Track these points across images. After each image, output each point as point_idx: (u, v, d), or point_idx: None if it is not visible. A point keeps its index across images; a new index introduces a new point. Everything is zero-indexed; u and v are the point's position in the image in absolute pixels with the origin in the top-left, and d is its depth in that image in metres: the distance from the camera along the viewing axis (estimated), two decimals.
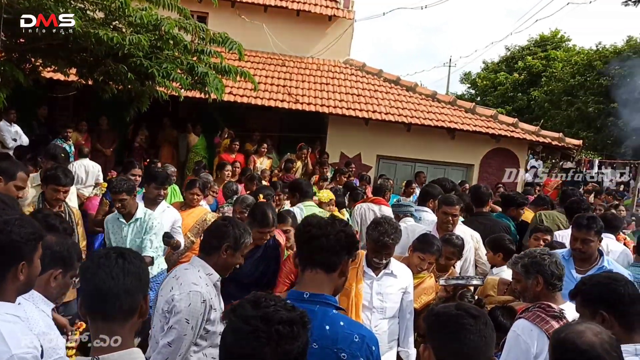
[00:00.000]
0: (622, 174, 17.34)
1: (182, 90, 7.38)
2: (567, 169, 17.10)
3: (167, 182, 5.06)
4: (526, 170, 14.58)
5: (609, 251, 4.58)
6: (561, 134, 12.53)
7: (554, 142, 12.05)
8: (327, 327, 1.97)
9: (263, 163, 9.97)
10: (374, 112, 11.36)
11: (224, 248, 2.85)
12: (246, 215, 4.26)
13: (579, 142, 12.66)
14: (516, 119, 12.55)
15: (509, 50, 33.93)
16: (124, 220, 4.48)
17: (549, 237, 4.57)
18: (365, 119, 11.29)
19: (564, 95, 24.65)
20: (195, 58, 6.89)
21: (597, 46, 26.28)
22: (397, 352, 3.59)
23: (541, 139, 12.05)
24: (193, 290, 2.68)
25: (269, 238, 3.88)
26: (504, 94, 30.77)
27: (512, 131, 11.90)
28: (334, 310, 2.03)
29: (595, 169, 18.89)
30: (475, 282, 3.80)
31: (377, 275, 3.46)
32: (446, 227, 4.60)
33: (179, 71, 6.72)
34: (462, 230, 4.89)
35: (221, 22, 11.08)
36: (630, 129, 15.59)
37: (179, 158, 11.28)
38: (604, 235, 4.21)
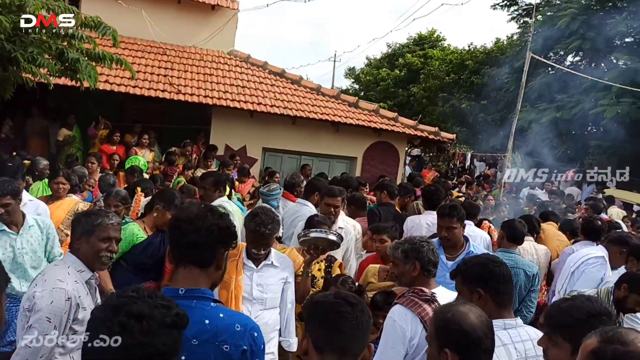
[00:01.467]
0: (489, 166, 18.73)
1: (51, 77, 6.83)
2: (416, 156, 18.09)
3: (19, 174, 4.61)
4: (405, 164, 15.27)
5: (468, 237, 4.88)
6: (437, 128, 13.24)
7: (431, 136, 12.71)
8: (207, 322, 1.91)
9: (145, 155, 9.57)
10: (259, 104, 11.28)
11: (77, 237, 2.71)
12: (121, 208, 4.04)
13: (453, 136, 13.46)
14: (396, 114, 13.05)
15: (390, 47, 35.34)
16: (11, 231, 3.74)
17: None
18: (251, 111, 11.18)
19: (440, 92, 26.11)
20: (65, 43, 6.41)
21: (469, 46, 28.15)
22: (280, 342, 3.60)
23: (419, 133, 12.65)
24: (57, 287, 2.50)
25: None
26: (386, 90, 31.98)
27: (392, 125, 12.36)
28: (212, 304, 1.98)
29: (468, 162, 20.26)
30: (332, 237, 3.84)
31: (257, 267, 3.44)
32: (328, 218, 4.66)
33: (47, 56, 6.22)
34: (344, 220, 5.01)
35: (95, 6, 10.40)
36: (496, 125, 16.83)
37: (49, 150, 10.48)
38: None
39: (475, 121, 22.32)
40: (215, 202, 4.79)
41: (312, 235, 3.85)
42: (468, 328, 1.92)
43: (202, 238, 1.96)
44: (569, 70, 17.13)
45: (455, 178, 16.43)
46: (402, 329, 2.74)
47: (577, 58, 19.90)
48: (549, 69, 18.44)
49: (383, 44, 51.79)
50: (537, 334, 2.43)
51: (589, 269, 4.70)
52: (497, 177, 17.04)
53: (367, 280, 4.07)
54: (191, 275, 1.98)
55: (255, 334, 2.00)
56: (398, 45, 34.65)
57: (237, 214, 5.06)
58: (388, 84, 32.00)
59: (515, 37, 23.96)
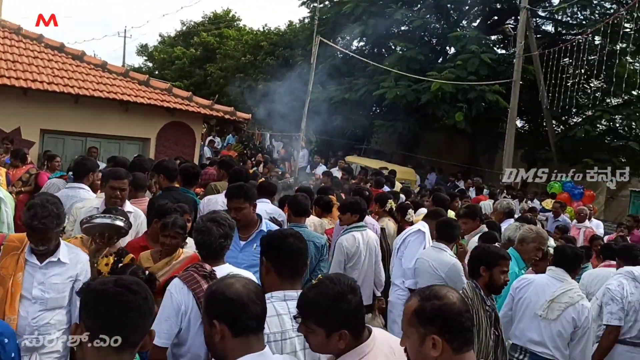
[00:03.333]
0: (283, 145, 19.32)
1: None
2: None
3: None
4: (203, 145, 14.99)
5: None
6: (233, 108, 13.17)
7: (227, 116, 12.59)
8: None
9: None
10: (34, 81, 10.03)
11: None
12: None
13: (248, 116, 13.51)
14: (190, 93, 12.67)
15: (185, 25, 34.29)
16: None
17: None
18: (24, 89, 9.90)
19: (237, 72, 26.10)
20: None
21: (263, 28, 28.54)
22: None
23: (215, 113, 12.44)
24: None
25: None
26: (182, 69, 31.03)
27: (187, 105, 11.96)
28: None
29: (267, 142, 20.66)
30: (119, 222, 3.60)
31: (41, 263, 3.11)
32: (114, 202, 4.28)
33: None
34: (131, 207, 4.65)
35: None
36: (291, 105, 17.33)
37: None
38: (260, 200, 4.53)
39: (272, 101, 22.77)
40: None
41: (97, 221, 3.56)
42: (233, 296, 1.98)
43: None
44: (354, 54, 18.34)
45: (254, 158, 16.61)
46: (177, 303, 2.82)
47: (362, 43, 21.37)
48: (338, 52, 19.50)
49: (177, 21, 50.03)
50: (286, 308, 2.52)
51: (412, 241, 5.40)
52: (292, 156, 17.66)
53: (144, 267, 3.87)
54: None
55: (6, 341, 1.88)
56: (193, 23, 33.78)
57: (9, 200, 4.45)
58: (184, 63, 31.07)
59: (306, 20, 24.90)
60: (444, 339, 1.82)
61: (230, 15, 33.11)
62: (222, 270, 2.97)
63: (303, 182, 10.85)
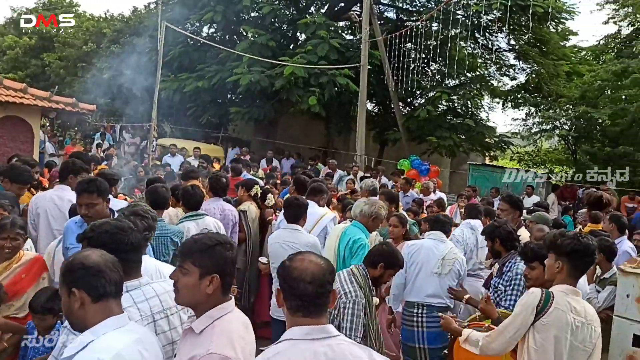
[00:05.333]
0: (134, 136, 18.46)
1: None
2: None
3: None
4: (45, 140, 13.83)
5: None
6: (74, 99, 12.27)
7: (68, 108, 11.71)
8: None
9: None
10: None
11: None
12: None
13: (93, 107, 12.72)
14: (25, 85, 11.60)
15: (16, 11, 31.20)
16: None
17: None
18: None
19: (78, 62, 24.32)
20: None
21: (106, 14, 26.84)
22: None
23: (54, 105, 11.50)
24: None
25: None
26: (15, 59, 28.24)
27: (21, 97, 10.92)
28: None
29: (118, 134, 19.56)
30: None
31: None
32: None
33: None
34: None
35: None
36: (141, 95, 16.56)
37: None
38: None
39: (120, 91, 21.56)
40: None
41: None
42: (91, 263, 2.09)
43: None
44: (205, 40, 17.91)
45: (105, 151, 15.64)
46: None
47: (212, 30, 20.93)
48: (189, 39, 18.93)
49: (6, 7, 45.40)
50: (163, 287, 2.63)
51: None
52: (142, 146, 16.91)
53: None
54: None
55: None
56: (25, 9, 30.81)
57: None
58: (17, 53, 28.27)
59: (152, 6, 23.84)
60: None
61: (68, 0, 30.67)
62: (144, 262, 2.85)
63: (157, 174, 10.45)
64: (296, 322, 2.07)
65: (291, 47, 19.46)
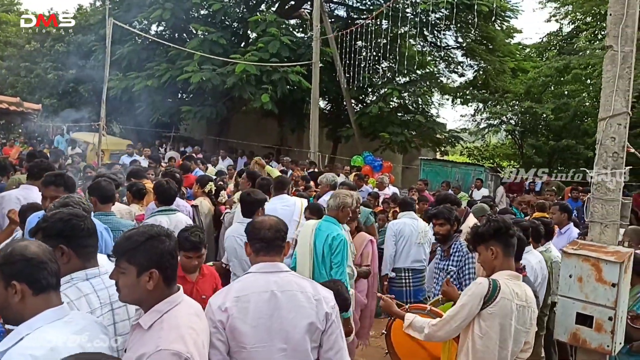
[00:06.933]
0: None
1: None
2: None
3: None
4: None
5: None
6: (18, 99, 11.88)
7: (12, 107, 11.33)
8: None
9: None
10: None
11: None
12: None
13: (38, 106, 12.38)
14: None
15: None
16: None
17: None
18: None
19: (22, 61, 23.47)
20: None
21: (49, 12, 25.95)
22: None
23: None
24: None
25: None
26: None
27: None
28: None
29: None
30: None
31: None
32: None
33: None
34: None
35: None
36: (89, 94, 16.14)
37: None
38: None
39: (66, 91, 20.95)
40: None
41: None
42: (31, 255, 2.02)
43: None
44: (154, 38, 17.58)
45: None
46: None
47: (161, 27, 20.57)
48: (137, 37, 18.55)
49: None
50: None
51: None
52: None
53: None
54: None
55: None
56: None
57: None
58: None
59: (98, 3, 23.23)
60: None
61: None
62: None
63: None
64: (257, 261, 2.73)
65: (242, 44, 19.33)
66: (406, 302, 5.42)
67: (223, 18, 19.14)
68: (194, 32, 19.24)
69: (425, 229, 6.23)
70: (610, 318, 3.89)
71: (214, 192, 7.23)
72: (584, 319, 4.03)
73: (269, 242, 2.73)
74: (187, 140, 20.03)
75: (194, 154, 14.78)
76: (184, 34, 20.23)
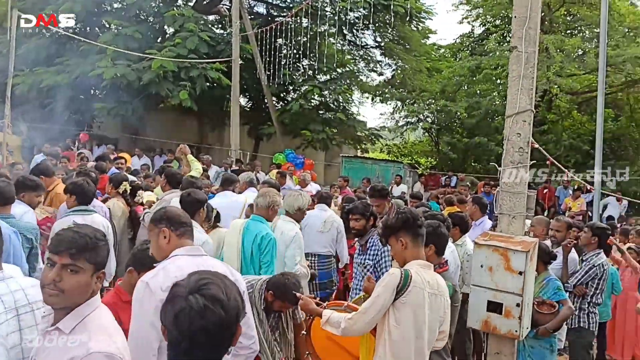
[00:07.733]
0: None
1: None
2: None
3: None
4: None
5: None
6: None
7: None
8: None
9: None
10: None
11: None
12: None
13: None
14: None
15: None
16: None
17: None
18: None
19: None
20: None
21: None
22: None
23: None
24: None
25: None
26: None
27: None
28: None
29: None
30: None
31: None
32: None
33: None
34: None
35: None
36: None
37: None
38: None
39: None
40: None
41: None
42: None
43: None
44: (63, 31, 16.70)
45: None
46: None
47: (72, 21, 19.57)
48: (45, 31, 17.55)
49: None
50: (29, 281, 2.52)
51: None
52: None
53: None
54: None
55: None
56: None
57: None
58: None
59: None
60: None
61: None
62: None
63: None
64: (181, 244, 2.85)
65: (159, 40, 18.77)
66: (313, 283, 5.94)
67: (138, 12, 18.51)
68: (107, 26, 18.48)
69: (331, 219, 6.59)
70: (518, 304, 4.09)
71: (129, 192, 6.94)
72: (494, 307, 4.21)
73: (190, 226, 2.95)
74: (100, 138, 19.16)
75: (107, 153, 14.17)
76: (97, 28, 19.37)
